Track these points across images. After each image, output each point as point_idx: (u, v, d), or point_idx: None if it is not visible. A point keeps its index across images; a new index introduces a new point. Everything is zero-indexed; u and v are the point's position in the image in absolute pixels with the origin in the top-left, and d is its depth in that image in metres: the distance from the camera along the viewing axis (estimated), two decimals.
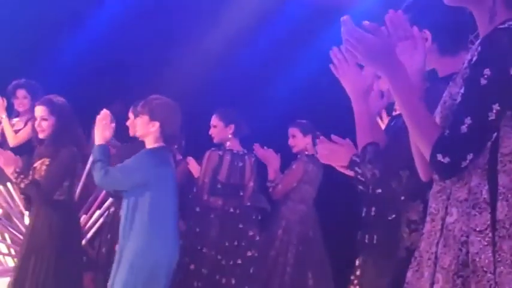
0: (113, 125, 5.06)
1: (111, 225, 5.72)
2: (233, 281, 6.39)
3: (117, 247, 4.98)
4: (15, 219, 5.83)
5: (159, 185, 4.85)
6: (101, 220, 5.99)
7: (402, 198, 2.94)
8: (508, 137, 2.15)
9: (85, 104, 5.49)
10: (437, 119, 2.29)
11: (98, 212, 6.05)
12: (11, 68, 7.63)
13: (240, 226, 6.50)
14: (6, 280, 5.65)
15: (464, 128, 2.12)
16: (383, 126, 3.50)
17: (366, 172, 3.03)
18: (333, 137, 3.33)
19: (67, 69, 8.07)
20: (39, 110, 5.32)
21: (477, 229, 2.13)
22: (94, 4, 8.60)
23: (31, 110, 6.96)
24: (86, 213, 6.03)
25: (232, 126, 6.59)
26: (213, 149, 6.60)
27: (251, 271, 6.50)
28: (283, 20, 8.33)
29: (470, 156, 2.14)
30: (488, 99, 2.11)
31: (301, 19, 8.18)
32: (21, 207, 6.11)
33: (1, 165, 5.31)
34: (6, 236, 5.86)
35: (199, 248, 6.30)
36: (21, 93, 6.98)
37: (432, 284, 2.22)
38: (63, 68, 8.08)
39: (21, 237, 5.68)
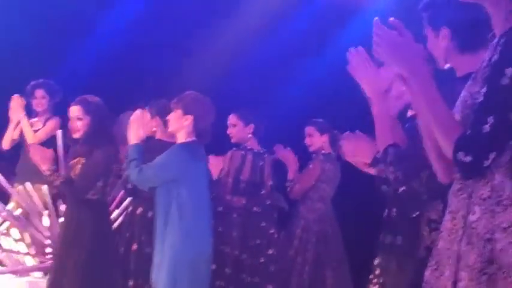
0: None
1: (129, 225, 5.73)
2: (257, 280, 6.40)
3: (152, 242, 4.96)
4: (34, 219, 5.85)
5: (192, 180, 4.86)
6: (120, 219, 6.01)
7: (424, 197, 2.93)
8: None
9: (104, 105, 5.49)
10: (457, 118, 2.29)
11: (116, 212, 6.07)
12: (29, 68, 7.67)
13: (262, 224, 6.51)
14: (26, 279, 5.68)
15: (486, 128, 2.12)
16: None
17: (389, 174, 3.02)
18: (358, 132, 3.32)
19: (84, 69, 8.11)
20: (75, 110, 5.30)
21: (502, 226, 2.13)
22: (110, 3, 8.63)
23: (49, 110, 7.01)
24: None
25: (252, 126, 6.59)
26: (234, 148, 6.61)
27: (272, 269, 6.51)
28: (300, 18, 8.33)
29: (492, 155, 2.14)
30: (510, 98, 2.11)
31: (318, 18, 8.17)
32: (40, 207, 6.14)
33: (37, 162, 5.32)
34: (26, 235, 5.89)
35: (222, 247, 6.30)
36: (39, 93, 7.00)
37: (455, 282, 2.21)
38: (81, 68, 8.12)
39: (40, 236, 5.71)
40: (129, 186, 5.44)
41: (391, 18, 2.33)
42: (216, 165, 6.58)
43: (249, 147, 6.61)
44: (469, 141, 2.15)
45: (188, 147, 4.93)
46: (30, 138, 6.82)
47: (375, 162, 3.17)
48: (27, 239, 5.89)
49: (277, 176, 6.84)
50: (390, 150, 3.02)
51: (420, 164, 2.81)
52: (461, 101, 2.32)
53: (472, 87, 2.27)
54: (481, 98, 2.17)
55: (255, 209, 6.51)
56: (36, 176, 6.69)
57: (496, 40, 2.23)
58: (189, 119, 4.92)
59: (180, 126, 4.96)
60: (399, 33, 2.30)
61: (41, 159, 5.29)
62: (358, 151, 3.28)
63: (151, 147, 5.29)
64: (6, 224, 5.88)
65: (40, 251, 5.83)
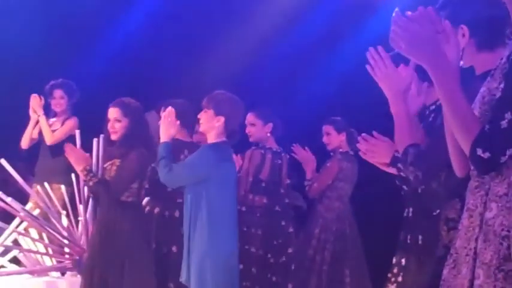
0: (178, 122, 5.07)
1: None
2: (280, 279, 6.41)
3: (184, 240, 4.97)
4: (52, 219, 5.88)
5: (221, 180, 4.88)
6: None
7: (443, 196, 2.92)
8: None
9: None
10: (476, 114, 2.28)
11: None
12: (47, 68, 7.71)
13: (283, 223, 6.52)
14: (44, 279, 5.70)
15: (504, 123, 2.10)
16: None
17: (409, 174, 3.01)
18: (375, 133, 3.31)
19: (101, 70, 8.13)
20: (113, 112, 5.30)
21: None
22: (127, 2, 8.66)
23: (68, 110, 7.04)
24: None
25: (271, 125, 6.58)
26: (254, 147, 6.60)
27: (292, 268, 6.52)
28: (318, 17, 8.31)
29: (510, 152, 2.12)
30: None
31: (336, 16, 8.15)
32: (59, 207, 6.16)
33: (72, 163, 5.33)
34: (44, 235, 5.91)
35: (246, 247, 6.30)
36: (58, 93, 7.02)
37: (471, 280, 2.20)
38: (98, 68, 8.15)
39: (58, 236, 5.73)
40: (146, 185, 5.45)
41: (416, 9, 2.33)
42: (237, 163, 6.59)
43: (268, 146, 6.61)
44: (486, 137, 2.14)
45: (218, 148, 4.94)
46: (49, 138, 6.85)
47: (394, 162, 3.16)
48: (46, 239, 5.91)
49: (296, 174, 6.84)
50: (410, 150, 3.01)
51: (439, 163, 2.80)
52: (479, 98, 2.30)
53: (490, 83, 2.26)
54: (499, 94, 2.15)
55: (276, 208, 6.51)
56: (54, 176, 6.74)
57: None
58: (221, 120, 4.93)
59: (211, 127, 4.96)
60: (421, 25, 2.30)
61: (76, 160, 5.29)
62: (375, 152, 3.27)
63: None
64: (25, 224, 5.91)
65: (58, 251, 5.85)
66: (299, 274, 6.64)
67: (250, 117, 6.60)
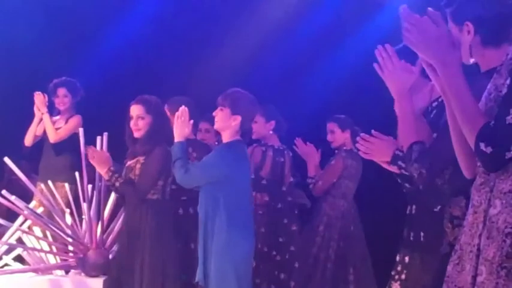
0: (192, 121, 5.03)
1: None
2: (286, 277, 6.41)
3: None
4: (56, 217, 5.87)
5: (238, 179, 4.85)
6: None
7: (447, 193, 2.92)
8: None
9: (123, 103, 5.49)
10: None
11: None
12: (50, 67, 7.71)
13: (285, 221, 6.52)
14: (48, 278, 5.70)
15: (509, 119, 2.11)
16: None
17: (413, 171, 3.01)
18: (374, 132, 3.31)
19: (105, 68, 8.13)
20: (136, 109, 5.25)
21: None
22: (131, 1, 8.67)
23: (71, 108, 7.04)
24: None
25: (273, 123, 6.58)
26: (255, 144, 6.59)
27: (296, 266, 6.51)
28: (322, 14, 8.31)
29: None
30: None
31: (340, 13, 8.15)
32: (62, 205, 6.15)
33: (95, 164, 5.27)
34: (48, 234, 5.91)
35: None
36: (61, 91, 7.02)
37: (474, 276, 2.21)
38: (101, 66, 8.15)
39: (62, 234, 5.73)
40: (173, 186, 5.42)
41: (429, 9, 2.34)
42: None
43: (269, 144, 6.60)
44: (491, 132, 2.14)
45: (234, 147, 4.92)
46: (52, 136, 6.85)
47: (394, 160, 3.15)
48: (50, 238, 5.91)
49: (300, 172, 6.84)
50: (415, 147, 3.01)
51: (444, 161, 2.79)
52: (485, 95, 2.31)
53: (496, 80, 2.26)
54: (505, 90, 2.15)
55: (279, 205, 6.51)
56: (58, 175, 6.75)
57: None
58: (237, 119, 4.89)
59: (227, 125, 4.93)
60: (434, 22, 2.31)
61: (99, 162, 5.24)
62: (375, 151, 3.27)
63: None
64: (29, 222, 5.91)
65: (62, 249, 5.85)
66: (303, 271, 6.65)
67: None
